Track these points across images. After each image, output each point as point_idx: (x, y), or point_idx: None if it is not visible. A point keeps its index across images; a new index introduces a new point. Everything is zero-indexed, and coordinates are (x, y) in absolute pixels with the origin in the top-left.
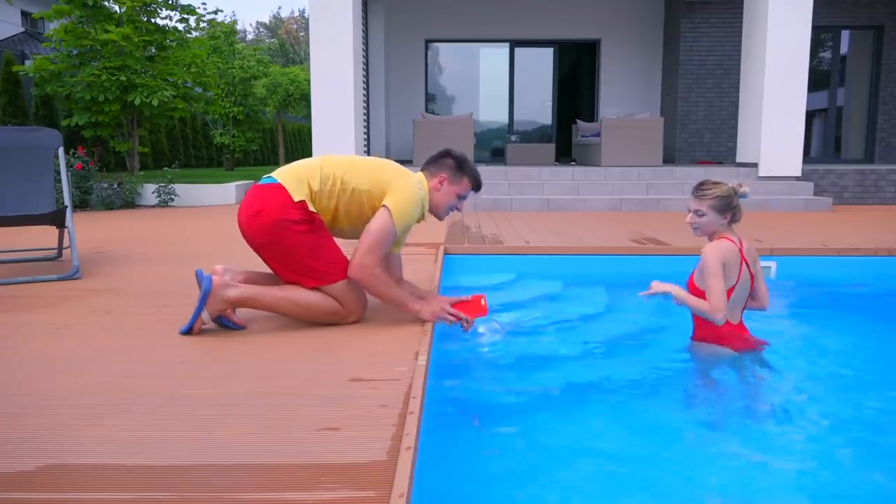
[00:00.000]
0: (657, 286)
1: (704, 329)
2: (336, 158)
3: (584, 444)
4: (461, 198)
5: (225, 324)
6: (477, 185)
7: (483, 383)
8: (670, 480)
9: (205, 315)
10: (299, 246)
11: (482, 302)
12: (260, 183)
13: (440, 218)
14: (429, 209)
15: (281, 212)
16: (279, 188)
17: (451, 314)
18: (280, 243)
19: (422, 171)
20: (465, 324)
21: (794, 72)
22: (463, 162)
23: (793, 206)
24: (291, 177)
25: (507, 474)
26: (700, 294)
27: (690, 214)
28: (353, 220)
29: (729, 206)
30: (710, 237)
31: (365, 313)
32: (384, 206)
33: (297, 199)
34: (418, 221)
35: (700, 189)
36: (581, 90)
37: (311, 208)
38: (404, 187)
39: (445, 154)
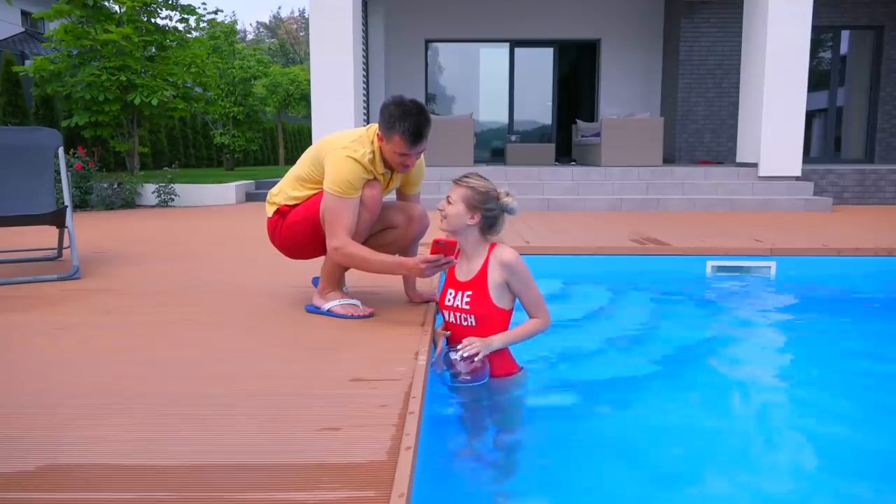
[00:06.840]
0: (475, 349)
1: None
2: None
3: (584, 443)
4: (402, 155)
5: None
6: (413, 139)
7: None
8: (669, 482)
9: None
10: (292, 232)
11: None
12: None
13: (399, 172)
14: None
15: (271, 232)
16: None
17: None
18: (287, 242)
19: None
20: (448, 261)
21: (793, 72)
22: (393, 116)
23: (793, 206)
24: (268, 203)
25: (507, 474)
26: (498, 313)
27: (444, 200)
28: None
29: (479, 207)
30: (459, 238)
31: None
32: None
33: (270, 214)
34: (392, 170)
35: (462, 177)
36: (581, 90)
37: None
38: (330, 160)
39: (385, 105)
